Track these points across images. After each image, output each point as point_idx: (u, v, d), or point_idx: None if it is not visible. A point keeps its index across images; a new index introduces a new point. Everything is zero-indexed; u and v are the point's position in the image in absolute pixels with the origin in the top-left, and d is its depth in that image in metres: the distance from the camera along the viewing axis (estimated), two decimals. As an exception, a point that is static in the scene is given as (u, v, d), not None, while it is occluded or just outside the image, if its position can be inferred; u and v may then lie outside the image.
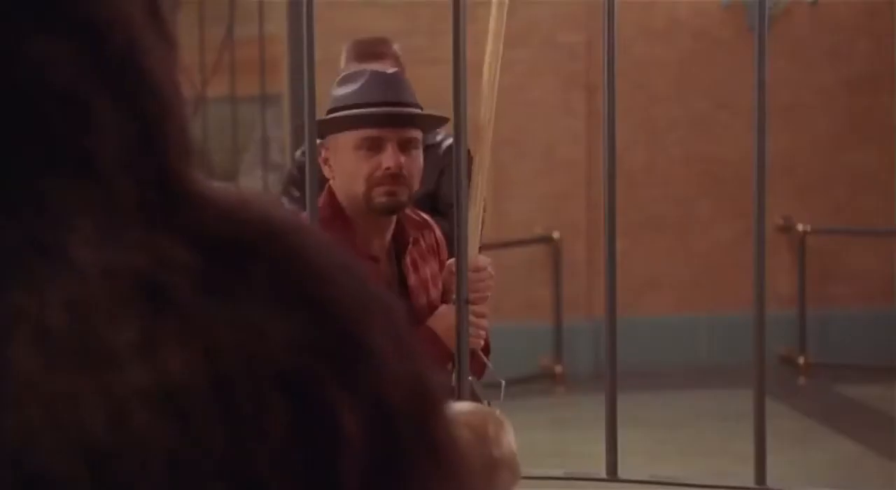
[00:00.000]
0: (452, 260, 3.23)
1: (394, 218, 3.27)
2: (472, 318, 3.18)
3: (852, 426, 7.11)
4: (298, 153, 4.66)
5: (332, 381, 0.69)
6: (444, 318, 3.23)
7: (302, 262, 0.71)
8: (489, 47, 3.23)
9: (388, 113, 3.21)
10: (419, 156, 3.27)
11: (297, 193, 4.45)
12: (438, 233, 3.40)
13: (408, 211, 3.38)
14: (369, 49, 4.62)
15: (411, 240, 3.31)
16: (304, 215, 2.97)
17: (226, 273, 0.69)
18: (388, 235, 3.29)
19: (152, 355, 0.65)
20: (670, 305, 8.37)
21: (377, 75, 3.29)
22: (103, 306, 0.66)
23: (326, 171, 3.26)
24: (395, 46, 4.68)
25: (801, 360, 8.23)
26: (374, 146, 3.20)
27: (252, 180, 7.98)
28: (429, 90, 7.43)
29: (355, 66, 4.55)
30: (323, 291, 0.71)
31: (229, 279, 0.69)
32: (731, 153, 8.13)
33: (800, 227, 8.33)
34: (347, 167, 3.21)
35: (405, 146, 3.22)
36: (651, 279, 8.30)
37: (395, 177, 3.18)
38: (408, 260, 3.30)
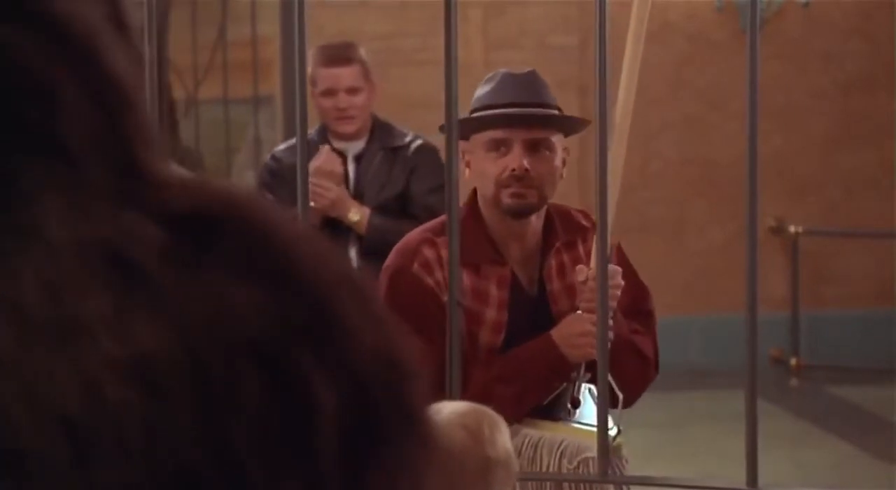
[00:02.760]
0: (580, 266, 3.16)
1: (532, 219, 3.22)
2: (592, 327, 3.05)
3: (844, 427, 7.11)
4: (268, 157, 4.64)
5: (302, 350, 0.69)
6: (564, 327, 3.16)
7: (267, 235, 0.72)
8: (629, 48, 3.18)
9: (510, 114, 3.18)
10: (553, 157, 3.21)
11: (271, 198, 4.43)
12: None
13: (573, 212, 3.35)
14: (335, 54, 4.58)
15: (558, 244, 3.24)
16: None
17: (192, 246, 0.69)
18: (533, 237, 3.24)
19: (123, 327, 0.66)
20: (664, 307, 8.30)
21: (509, 76, 3.26)
22: (74, 280, 0.66)
23: (467, 174, 3.25)
24: (362, 51, 4.63)
25: (793, 362, 8.23)
26: (502, 147, 3.18)
27: (244, 181, 7.98)
28: (419, 91, 7.44)
29: (322, 71, 4.53)
30: (289, 263, 0.71)
31: (196, 252, 0.69)
32: (725, 155, 8.13)
33: (792, 229, 8.33)
34: (480, 169, 3.20)
35: (534, 147, 3.18)
36: (644, 281, 8.30)
37: (521, 178, 3.15)
38: (552, 263, 3.24)
